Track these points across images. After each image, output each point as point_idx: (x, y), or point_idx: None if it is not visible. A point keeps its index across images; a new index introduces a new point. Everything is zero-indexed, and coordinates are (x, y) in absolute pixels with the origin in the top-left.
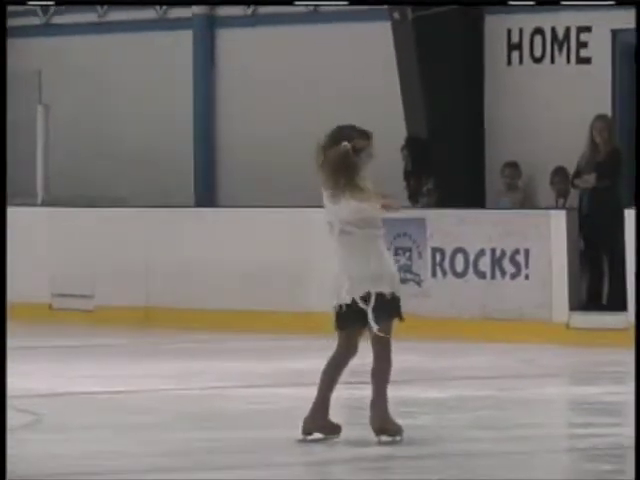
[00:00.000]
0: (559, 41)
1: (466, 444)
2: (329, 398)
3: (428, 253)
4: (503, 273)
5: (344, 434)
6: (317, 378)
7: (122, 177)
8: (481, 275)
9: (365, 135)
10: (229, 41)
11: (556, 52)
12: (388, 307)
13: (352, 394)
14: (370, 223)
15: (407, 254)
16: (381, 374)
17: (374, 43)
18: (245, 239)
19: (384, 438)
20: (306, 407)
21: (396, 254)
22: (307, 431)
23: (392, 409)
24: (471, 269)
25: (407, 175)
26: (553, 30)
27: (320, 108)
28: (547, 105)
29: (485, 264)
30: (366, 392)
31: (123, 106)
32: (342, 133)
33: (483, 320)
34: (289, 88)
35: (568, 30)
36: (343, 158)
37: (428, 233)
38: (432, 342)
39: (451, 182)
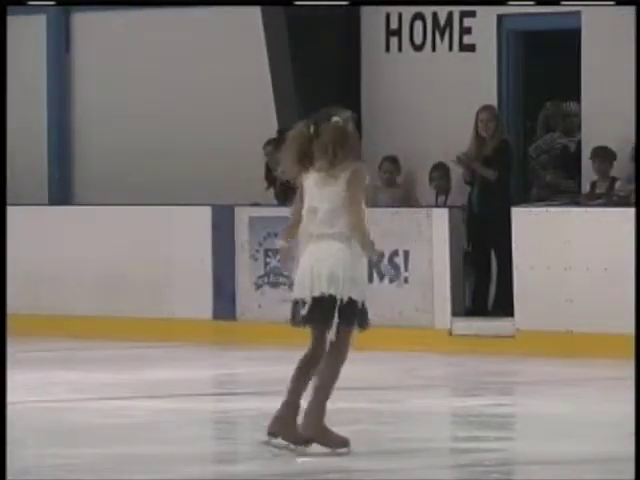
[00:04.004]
0: (441, 27)
1: (340, 460)
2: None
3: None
4: (381, 277)
5: (211, 449)
6: (179, 389)
7: None
8: None
9: (343, 109)
10: (85, 25)
11: (437, 39)
12: (357, 315)
13: (217, 407)
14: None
15: (277, 256)
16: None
17: (243, 28)
18: (103, 239)
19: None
20: (169, 420)
21: (266, 256)
22: (273, 433)
23: (260, 423)
24: None
25: (268, 174)
26: (434, 15)
27: (182, 97)
28: (428, 95)
29: None
30: (234, 405)
31: None
32: (327, 112)
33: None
34: (150, 75)
35: (450, 15)
36: (342, 131)
37: None
38: (304, 350)
39: None
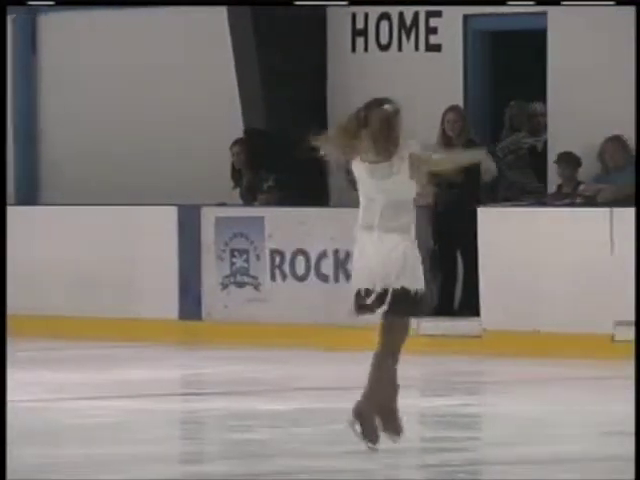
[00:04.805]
0: (407, 27)
1: (310, 460)
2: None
3: (267, 255)
4: (347, 276)
5: (179, 449)
6: (145, 389)
7: None
8: (323, 278)
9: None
10: (51, 27)
11: (404, 38)
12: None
13: (185, 407)
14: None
15: (244, 256)
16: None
17: (208, 27)
18: (69, 239)
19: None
20: (136, 420)
21: (232, 256)
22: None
23: (227, 423)
24: (313, 272)
25: (234, 173)
26: (400, 15)
27: (148, 97)
28: (395, 95)
29: (328, 266)
30: (201, 405)
31: None
32: (378, 101)
33: (327, 327)
34: (117, 77)
35: (417, 15)
36: (392, 119)
37: (267, 233)
38: (271, 350)
39: (293, 178)
